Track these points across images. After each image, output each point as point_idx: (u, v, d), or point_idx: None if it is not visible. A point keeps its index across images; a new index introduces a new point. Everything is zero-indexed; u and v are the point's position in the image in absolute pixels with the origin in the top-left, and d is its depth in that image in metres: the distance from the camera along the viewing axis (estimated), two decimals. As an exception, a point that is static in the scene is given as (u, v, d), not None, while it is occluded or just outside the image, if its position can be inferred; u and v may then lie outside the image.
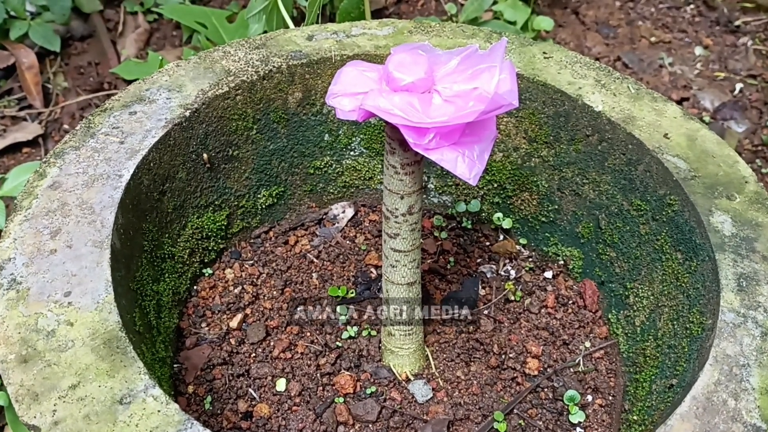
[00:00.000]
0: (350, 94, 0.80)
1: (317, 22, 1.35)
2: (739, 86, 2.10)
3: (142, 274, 0.94)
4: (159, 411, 0.69)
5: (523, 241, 1.23)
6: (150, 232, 0.97)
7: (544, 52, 1.16)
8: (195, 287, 1.11)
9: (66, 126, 1.91)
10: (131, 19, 2.19)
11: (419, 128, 0.75)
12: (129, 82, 1.96)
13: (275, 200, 1.20)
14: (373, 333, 1.08)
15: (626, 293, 1.07)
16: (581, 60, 1.14)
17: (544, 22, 2.07)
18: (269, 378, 1.02)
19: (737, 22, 2.28)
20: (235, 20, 1.96)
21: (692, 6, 2.34)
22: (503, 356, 1.07)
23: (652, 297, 1.01)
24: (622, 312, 1.08)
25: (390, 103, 0.75)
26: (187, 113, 1.01)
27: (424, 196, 1.26)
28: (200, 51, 1.93)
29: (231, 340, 1.06)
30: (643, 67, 2.16)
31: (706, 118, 1.95)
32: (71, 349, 0.74)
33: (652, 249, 1.02)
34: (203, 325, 1.08)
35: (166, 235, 1.02)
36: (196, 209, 1.08)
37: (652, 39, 2.24)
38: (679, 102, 2.03)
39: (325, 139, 1.19)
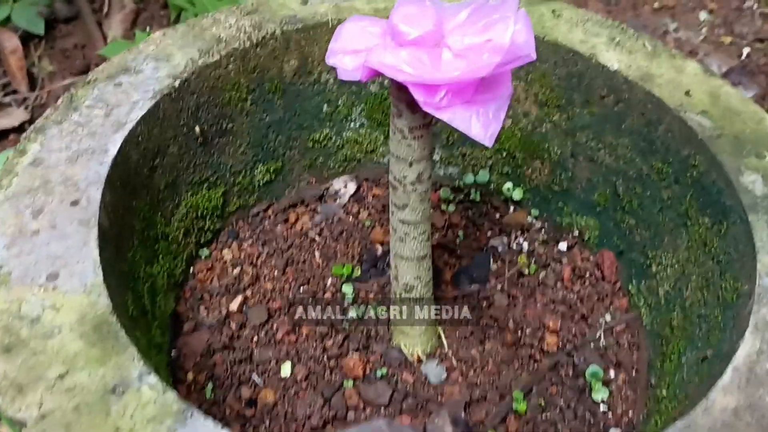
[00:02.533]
0: (352, 51, 0.73)
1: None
2: (746, 51, 2.04)
3: (135, 255, 0.88)
4: (155, 400, 0.64)
5: (535, 212, 1.17)
6: (141, 210, 0.91)
7: (554, 10, 1.09)
8: (191, 269, 1.05)
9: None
10: (117, -1, 2.11)
11: (429, 85, 0.69)
12: (117, 64, 1.89)
13: (273, 176, 1.14)
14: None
15: (648, 262, 1.01)
16: (593, 18, 1.08)
17: (545, -10, 2.00)
18: (273, 362, 0.96)
19: (742, -15, 2.21)
20: (225, -4, 1.89)
21: (696, -30, 2.27)
22: (519, 333, 1.01)
23: (677, 265, 0.96)
24: (643, 282, 1.02)
25: (397, 59, 0.68)
26: (176, 83, 0.94)
27: (430, 168, 1.20)
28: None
29: (231, 323, 1.00)
30: (647, 33, 2.09)
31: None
32: (58, 336, 0.68)
33: (675, 214, 0.96)
34: (201, 308, 1.02)
35: (159, 214, 0.96)
36: (189, 186, 1.02)
37: (655, 5, 2.17)
38: (686, 68, 1.96)
39: (324, 110, 1.13)
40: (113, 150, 0.85)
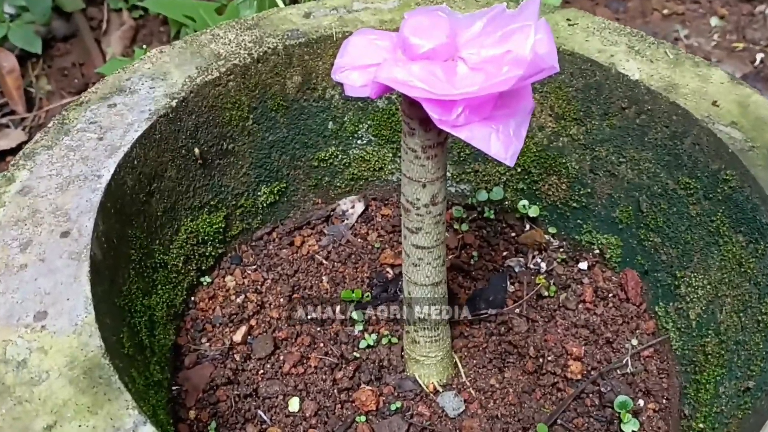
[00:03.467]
0: (360, 66, 0.68)
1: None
2: (759, 56, 1.98)
3: (130, 287, 0.82)
4: (151, 454, 0.58)
5: (552, 230, 1.12)
6: (137, 239, 0.86)
7: (568, 19, 1.04)
8: (192, 298, 1.00)
9: (51, 131, 1.78)
10: (115, 16, 2.07)
11: (445, 101, 0.63)
12: (115, 82, 1.84)
13: (277, 197, 1.09)
14: (394, 340, 0.97)
15: (676, 283, 0.95)
16: (610, 25, 1.02)
17: (552, -3, 1.96)
18: (281, 397, 0.90)
19: (753, -10, 2.16)
20: (225, 12, 1.84)
21: (705, -25, 2.22)
22: (541, 360, 0.95)
23: (708, 286, 0.90)
24: (672, 304, 0.96)
25: (408, 74, 0.63)
26: (174, 103, 0.89)
27: (441, 185, 1.14)
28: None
29: (235, 355, 0.94)
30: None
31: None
32: (45, 382, 0.62)
33: (705, 232, 0.90)
34: (203, 340, 0.96)
35: (157, 242, 0.91)
36: (189, 211, 0.97)
37: (665, 11, 2.12)
38: (700, 75, 1.91)
39: (329, 127, 1.08)
40: (107, 175, 0.80)
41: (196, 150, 0.94)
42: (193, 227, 0.97)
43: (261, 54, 0.97)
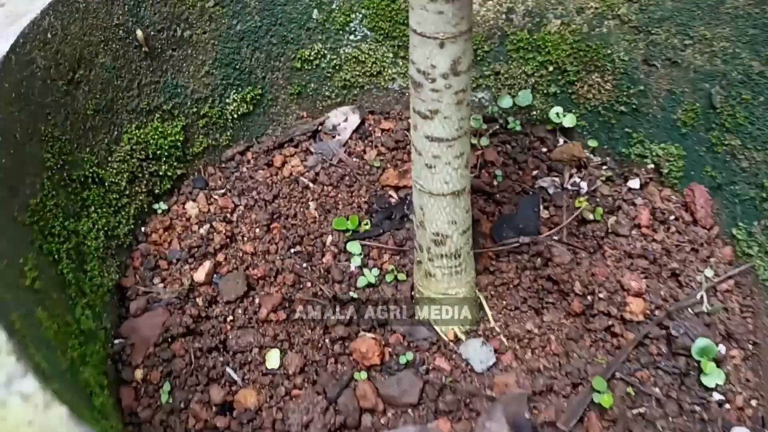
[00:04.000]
0: None
1: None
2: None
3: (44, 202, 0.61)
4: (31, 421, 0.37)
5: (592, 142, 0.90)
6: (55, 140, 0.64)
7: None
8: (143, 229, 0.78)
9: None
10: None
11: None
12: None
13: (251, 107, 0.87)
14: (402, 277, 0.76)
15: (763, 195, 0.74)
16: None
17: None
18: (255, 350, 0.70)
19: None
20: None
21: None
22: (590, 298, 0.74)
23: (814, 193, 0.69)
24: (757, 223, 0.76)
25: None
26: (103, -37, 0.67)
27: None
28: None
29: (197, 299, 0.73)
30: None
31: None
32: None
33: (808, 122, 0.69)
34: (156, 280, 0.75)
35: (87, 149, 0.69)
36: (133, 115, 0.75)
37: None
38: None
39: (314, 16, 0.86)
40: (4, 46, 0.58)
41: (139, 32, 0.72)
42: (139, 136, 0.75)
43: None
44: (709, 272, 0.77)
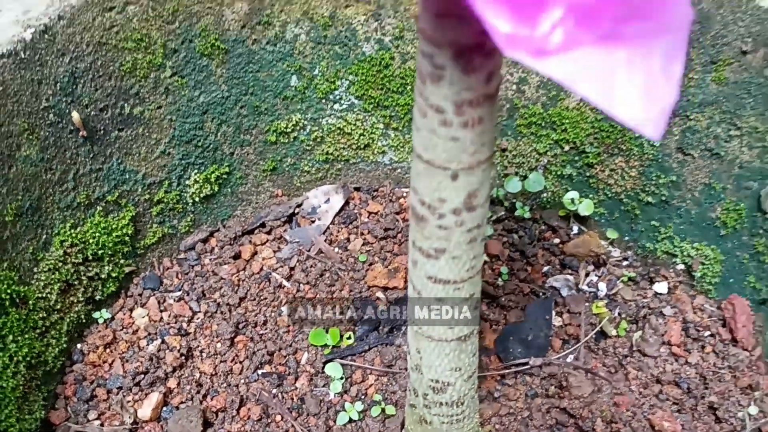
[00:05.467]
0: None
1: None
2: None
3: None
4: None
5: (612, 233, 0.79)
6: (-42, 264, 0.51)
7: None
8: (79, 345, 0.65)
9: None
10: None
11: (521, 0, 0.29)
12: None
13: (216, 187, 0.74)
14: (390, 410, 0.63)
15: (822, 322, 0.62)
16: (713, -68, 0.68)
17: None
18: None
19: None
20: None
21: None
22: (614, 439, 0.62)
23: None
24: (813, 354, 0.64)
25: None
26: (29, 34, 0.54)
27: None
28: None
29: (141, 441, 0.60)
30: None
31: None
32: None
33: None
34: (92, 415, 0.62)
35: (5, 265, 0.55)
36: (68, 212, 0.61)
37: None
38: None
39: (292, 84, 0.73)
40: None
41: (75, 114, 0.58)
42: (75, 237, 0.62)
43: (181, -36, 0.62)
44: (753, 409, 0.65)
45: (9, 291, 0.56)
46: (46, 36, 0.55)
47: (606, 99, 0.31)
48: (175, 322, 0.68)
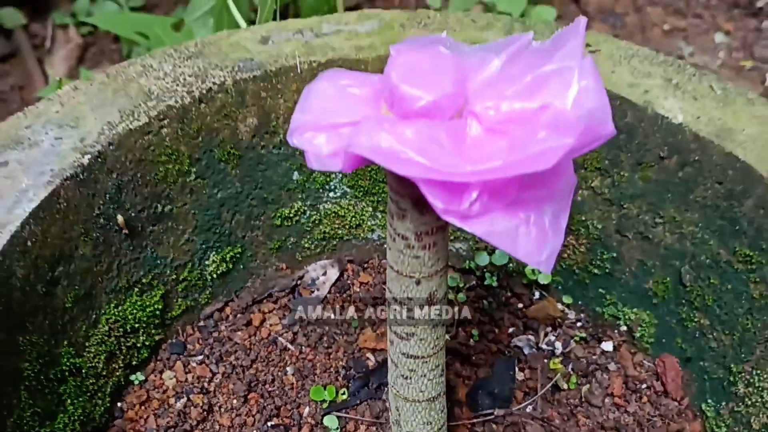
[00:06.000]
0: (329, 126, 0.48)
1: (275, 20, 1.02)
2: (770, 75, 1.81)
3: (21, 415, 0.61)
4: None
5: (567, 299, 0.92)
6: (35, 346, 0.64)
7: (588, 44, 0.84)
8: (119, 404, 0.78)
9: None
10: (61, 33, 1.85)
11: (453, 183, 0.43)
12: (56, 109, 1.63)
13: (231, 265, 0.88)
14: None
15: (731, 379, 0.76)
16: (640, 52, 0.83)
17: (546, 13, 1.77)
18: None
19: (759, 4, 1.99)
20: (183, 28, 1.64)
21: (706, -13, 2.05)
22: (564, 478, 0.75)
23: (780, 390, 0.70)
24: (725, 404, 0.77)
25: (399, 142, 0.43)
26: (86, 160, 0.68)
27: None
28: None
29: (172, 484, 0.73)
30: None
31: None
32: None
33: (773, 319, 0.71)
34: (131, 462, 0.75)
35: (65, 343, 0.69)
36: (112, 295, 0.75)
37: (665, 27, 1.95)
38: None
39: (294, 178, 0.87)
40: (-17, 268, 0.58)
41: (120, 218, 0.72)
42: (118, 315, 0.76)
43: (204, 91, 0.76)
44: (680, 451, 0.78)
45: (68, 363, 0.69)
46: (99, 159, 0.69)
47: (512, 248, 0.45)
48: (198, 382, 0.82)
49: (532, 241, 0.45)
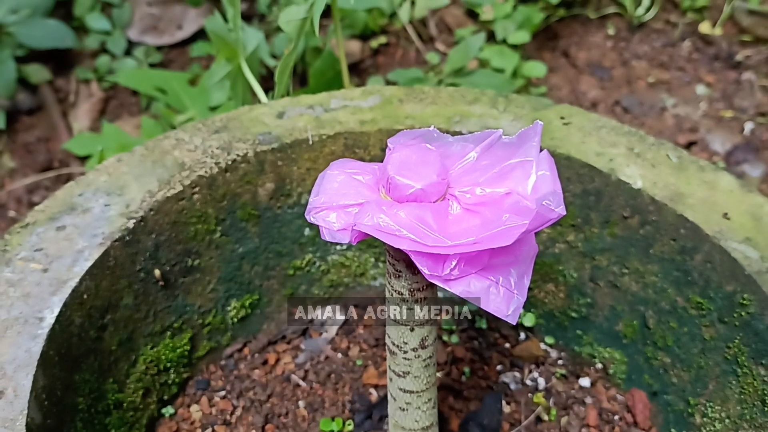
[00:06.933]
0: (339, 207, 0.59)
1: (288, 93, 1.16)
2: (749, 126, 1.94)
3: (77, 444, 0.72)
4: None
5: (549, 339, 1.03)
6: (87, 383, 0.76)
7: (562, 117, 0.97)
8: (152, 435, 0.89)
9: (12, 213, 1.69)
10: (84, 87, 1.99)
11: (437, 254, 0.55)
12: (82, 159, 1.76)
13: (249, 310, 0.99)
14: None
15: (689, 410, 0.87)
16: (607, 124, 0.95)
17: (536, 68, 1.90)
18: None
19: (738, 57, 2.12)
20: (198, 82, 1.78)
21: (688, 42, 2.18)
22: (543, 499, 0.85)
23: (728, 420, 0.81)
24: (685, 433, 0.87)
25: (395, 221, 0.55)
26: (131, 224, 0.80)
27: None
28: (159, 119, 1.74)
29: (200, 504, 0.84)
30: (644, 110, 2.00)
31: (720, 163, 1.77)
32: None
33: (721, 358, 0.82)
34: (164, 486, 0.85)
35: (110, 380, 0.80)
36: (149, 338, 0.87)
37: (650, 79, 2.08)
38: (687, 146, 1.86)
39: (306, 233, 0.99)
40: (50, 318, 0.70)
41: (157, 271, 0.84)
42: (153, 355, 0.87)
43: (230, 163, 0.88)
44: (646, 475, 0.88)
45: (113, 398, 0.80)
46: (142, 223, 0.81)
47: (485, 304, 0.56)
48: (221, 415, 0.93)
49: (500, 299, 0.57)
